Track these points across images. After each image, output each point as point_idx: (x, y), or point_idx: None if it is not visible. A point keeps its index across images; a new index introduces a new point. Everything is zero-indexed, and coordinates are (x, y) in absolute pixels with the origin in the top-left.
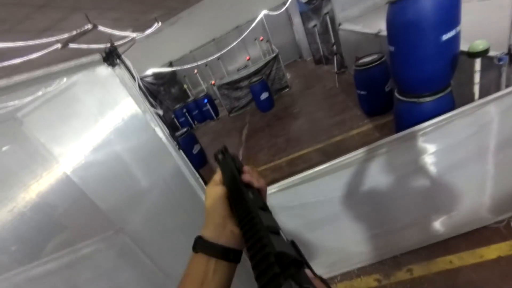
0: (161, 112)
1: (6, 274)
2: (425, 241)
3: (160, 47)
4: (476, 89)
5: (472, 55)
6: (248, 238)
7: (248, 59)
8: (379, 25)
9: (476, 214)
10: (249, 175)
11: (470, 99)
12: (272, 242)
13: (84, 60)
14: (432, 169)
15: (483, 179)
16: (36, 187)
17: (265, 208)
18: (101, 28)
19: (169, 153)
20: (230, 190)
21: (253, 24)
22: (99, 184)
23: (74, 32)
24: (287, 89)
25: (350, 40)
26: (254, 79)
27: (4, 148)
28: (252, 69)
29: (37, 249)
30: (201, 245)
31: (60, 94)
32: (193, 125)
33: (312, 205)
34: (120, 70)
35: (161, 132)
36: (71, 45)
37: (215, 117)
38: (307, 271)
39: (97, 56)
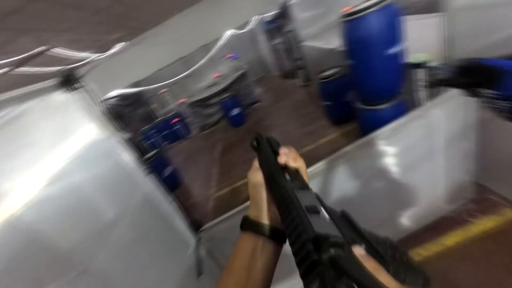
0: (127, 136)
1: None
2: (396, 237)
3: (125, 68)
4: (423, 95)
5: (415, 66)
6: (286, 226)
7: (217, 76)
8: (337, 41)
9: (435, 206)
10: (285, 156)
11: (419, 104)
12: (309, 226)
13: (37, 86)
14: (394, 168)
15: (437, 173)
16: None
17: (303, 187)
18: (56, 50)
19: (138, 179)
20: (266, 175)
21: (220, 43)
22: (56, 222)
23: (25, 55)
24: (257, 104)
25: (313, 55)
26: (225, 95)
27: None
28: (222, 85)
29: None
30: (248, 224)
31: (8, 125)
32: (164, 146)
33: None
34: (79, 94)
35: (127, 157)
36: (21, 69)
37: (186, 136)
38: (357, 248)
39: (52, 81)
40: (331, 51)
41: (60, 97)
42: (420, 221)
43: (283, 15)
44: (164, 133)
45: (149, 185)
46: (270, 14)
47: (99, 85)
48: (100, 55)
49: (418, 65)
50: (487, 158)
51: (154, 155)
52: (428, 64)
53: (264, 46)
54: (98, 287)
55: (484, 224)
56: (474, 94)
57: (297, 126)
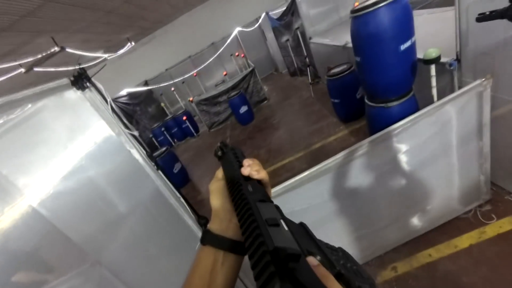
0: (136, 133)
1: None
2: (406, 237)
3: (134, 67)
4: (434, 91)
5: (427, 62)
6: (246, 237)
7: (225, 74)
8: (346, 38)
9: (448, 206)
10: (249, 168)
11: (430, 101)
12: (269, 238)
13: (51, 84)
14: (405, 167)
15: (451, 172)
16: None
17: (265, 200)
18: (69, 50)
19: (147, 175)
20: (229, 185)
21: (228, 41)
22: (70, 215)
23: (39, 56)
24: (265, 101)
25: (321, 52)
26: (233, 93)
27: None
28: (230, 83)
29: None
30: (209, 238)
31: (25, 122)
32: (173, 143)
33: (296, 213)
34: (90, 93)
35: (137, 153)
36: (36, 69)
37: (195, 134)
38: (310, 259)
39: (65, 80)
40: (339, 48)
41: (71, 95)
42: (432, 222)
43: (291, 12)
44: (173, 131)
45: (158, 181)
46: (278, 11)
47: (110, 84)
48: (111, 55)
49: (429, 61)
50: (503, 157)
51: (163, 152)
52: (440, 61)
53: (272, 44)
54: (110, 278)
55: (500, 226)
56: None
57: (305, 123)
